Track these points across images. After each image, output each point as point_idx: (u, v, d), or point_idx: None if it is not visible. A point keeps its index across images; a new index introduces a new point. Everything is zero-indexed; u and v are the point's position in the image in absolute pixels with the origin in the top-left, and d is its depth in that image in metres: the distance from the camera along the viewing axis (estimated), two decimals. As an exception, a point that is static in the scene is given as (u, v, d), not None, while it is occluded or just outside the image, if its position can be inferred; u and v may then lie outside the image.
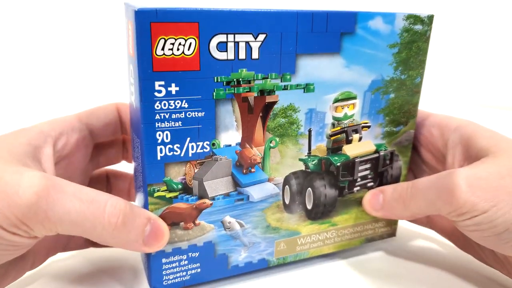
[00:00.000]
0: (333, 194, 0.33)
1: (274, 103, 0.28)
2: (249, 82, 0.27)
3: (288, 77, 0.28)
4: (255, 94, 0.27)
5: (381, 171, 0.34)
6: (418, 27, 0.31)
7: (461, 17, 0.90)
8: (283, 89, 0.28)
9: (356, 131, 0.32)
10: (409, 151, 0.35)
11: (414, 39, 0.31)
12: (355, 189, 0.34)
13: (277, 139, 0.29)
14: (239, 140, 0.28)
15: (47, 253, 0.30)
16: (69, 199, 0.23)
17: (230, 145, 0.28)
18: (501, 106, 0.80)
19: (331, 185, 0.32)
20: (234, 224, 0.30)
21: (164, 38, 0.24)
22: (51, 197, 0.22)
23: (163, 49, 0.24)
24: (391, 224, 0.37)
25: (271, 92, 0.28)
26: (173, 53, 0.24)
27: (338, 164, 0.32)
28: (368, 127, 0.32)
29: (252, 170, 0.29)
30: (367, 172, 0.34)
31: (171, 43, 0.24)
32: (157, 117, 0.25)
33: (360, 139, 0.32)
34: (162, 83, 0.25)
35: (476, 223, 0.25)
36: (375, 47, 0.30)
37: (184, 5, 0.24)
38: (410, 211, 0.29)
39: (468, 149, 0.29)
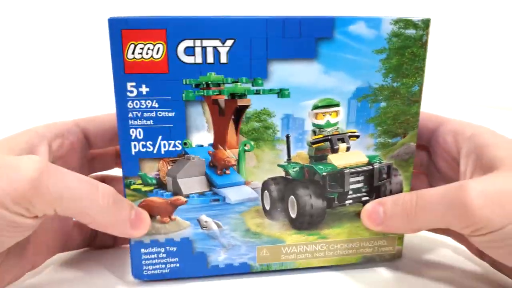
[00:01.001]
0: (320, 205, 0.32)
1: (247, 106, 0.29)
2: (218, 85, 0.28)
3: (260, 81, 0.28)
4: (226, 97, 0.28)
5: (377, 186, 0.32)
6: (411, 31, 0.29)
7: (461, 17, 0.93)
8: (255, 93, 0.29)
9: (342, 140, 0.31)
10: (410, 166, 0.32)
11: (406, 45, 0.29)
12: (347, 202, 0.32)
13: (252, 142, 0.30)
14: (211, 141, 0.29)
15: (47, 253, 0.31)
16: (68, 176, 0.24)
17: (202, 146, 0.29)
18: (501, 106, 0.80)
19: (317, 195, 0.31)
20: (210, 223, 0.31)
21: (134, 43, 0.26)
22: (51, 172, 0.23)
23: (133, 53, 0.26)
24: (394, 243, 0.34)
25: (242, 96, 0.28)
26: (142, 57, 0.27)
27: (324, 173, 0.31)
28: (357, 136, 0.31)
29: (227, 172, 0.30)
30: (360, 185, 0.32)
31: (140, 48, 0.26)
32: (130, 115, 0.28)
33: (348, 149, 0.31)
34: (133, 84, 0.27)
35: (491, 240, 0.24)
36: (358, 52, 0.29)
37: (158, 14, 0.26)
38: (416, 225, 0.27)
39: (482, 158, 0.27)
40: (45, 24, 1.00)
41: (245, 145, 0.30)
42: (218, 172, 0.30)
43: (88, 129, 0.32)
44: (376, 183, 0.32)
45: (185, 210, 0.30)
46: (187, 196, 0.30)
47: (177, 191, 0.30)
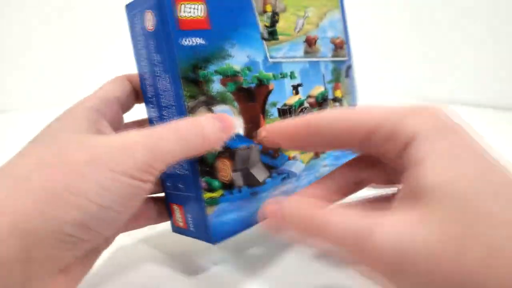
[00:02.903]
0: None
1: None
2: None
3: None
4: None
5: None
6: None
7: (462, 18, 0.92)
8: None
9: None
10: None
11: None
12: None
13: None
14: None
15: (115, 234, 0.30)
16: (163, 129, 0.25)
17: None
18: (501, 106, 0.81)
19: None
20: None
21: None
22: (153, 135, 0.25)
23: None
24: None
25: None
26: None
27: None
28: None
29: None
30: None
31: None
32: None
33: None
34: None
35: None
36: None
37: None
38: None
39: (410, 183, 0.20)
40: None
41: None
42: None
43: (99, 107, 0.29)
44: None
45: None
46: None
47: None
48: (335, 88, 0.37)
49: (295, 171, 0.34)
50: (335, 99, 0.38)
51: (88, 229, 0.22)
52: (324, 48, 0.36)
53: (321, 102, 0.37)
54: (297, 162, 0.34)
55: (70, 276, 0.24)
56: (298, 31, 0.34)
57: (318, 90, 0.36)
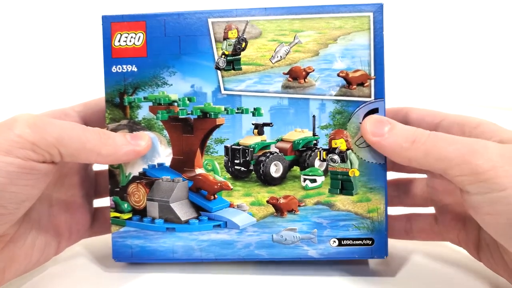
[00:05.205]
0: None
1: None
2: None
3: None
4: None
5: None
6: None
7: (461, 18, 0.94)
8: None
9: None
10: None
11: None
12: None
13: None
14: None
15: (69, 236, 0.31)
16: (60, 122, 0.25)
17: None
18: (501, 106, 0.81)
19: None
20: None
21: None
22: (45, 119, 0.25)
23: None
24: None
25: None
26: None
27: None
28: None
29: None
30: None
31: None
32: None
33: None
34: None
35: (491, 201, 0.23)
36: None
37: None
38: (414, 155, 0.25)
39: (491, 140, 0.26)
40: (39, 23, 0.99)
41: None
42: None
43: (83, 111, 0.31)
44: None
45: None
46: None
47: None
48: (334, 137, 0.28)
49: (238, 223, 0.29)
50: (331, 151, 0.28)
51: None
52: (323, 83, 0.28)
53: (302, 151, 0.29)
54: (243, 214, 0.29)
55: None
56: (277, 61, 0.28)
57: (299, 135, 0.28)
